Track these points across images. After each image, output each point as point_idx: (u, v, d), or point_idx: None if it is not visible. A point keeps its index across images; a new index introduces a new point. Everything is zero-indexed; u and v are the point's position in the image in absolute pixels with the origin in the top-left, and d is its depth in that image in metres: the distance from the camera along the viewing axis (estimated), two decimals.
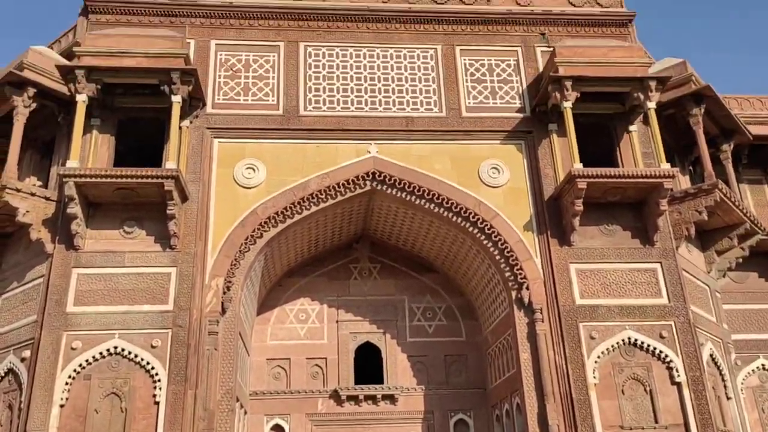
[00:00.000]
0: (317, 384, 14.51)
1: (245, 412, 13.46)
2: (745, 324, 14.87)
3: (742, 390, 13.68)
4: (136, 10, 13.73)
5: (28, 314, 11.71)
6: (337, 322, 15.07)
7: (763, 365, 14.46)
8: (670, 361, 11.90)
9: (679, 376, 11.79)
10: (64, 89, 12.51)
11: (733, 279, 15.11)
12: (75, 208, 11.57)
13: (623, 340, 12.04)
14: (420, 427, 14.47)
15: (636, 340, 12.03)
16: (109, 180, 11.58)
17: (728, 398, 12.86)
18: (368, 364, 15.04)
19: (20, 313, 11.89)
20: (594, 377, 11.78)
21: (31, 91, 12.35)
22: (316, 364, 14.72)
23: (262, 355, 14.63)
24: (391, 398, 14.44)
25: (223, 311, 11.96)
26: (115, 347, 11.33)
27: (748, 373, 14.36)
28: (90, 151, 12.41)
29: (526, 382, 12.04)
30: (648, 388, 11.77)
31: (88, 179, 11.51)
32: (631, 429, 11.47)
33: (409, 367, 14.89)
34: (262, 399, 14.10)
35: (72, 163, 11.66)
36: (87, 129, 12.40)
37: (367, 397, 14.39)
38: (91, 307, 11.53)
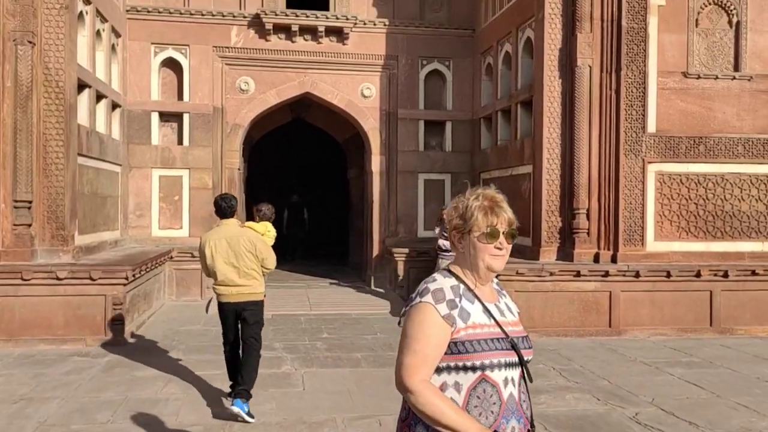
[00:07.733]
0: (231, 4, 9.84)
1: (117, 35, 8.95)
2: None
3: None
4: None
5: None
6: None
7: None
8: None
9: None
10: None
11: None
12: None
13: None
14: (378, 78, 10.36)
15: None
16: None
17: None
18: None
19: None
20: None
21: None
22: None
23: None
24: (338, 33, 10.00)
25: None
26: None
27: None
28: None
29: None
30: None
31: None
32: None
33: None
34: (145, 19, 9.46)
35: None
36: None
37: (304, 30, 9.91)
38: None
